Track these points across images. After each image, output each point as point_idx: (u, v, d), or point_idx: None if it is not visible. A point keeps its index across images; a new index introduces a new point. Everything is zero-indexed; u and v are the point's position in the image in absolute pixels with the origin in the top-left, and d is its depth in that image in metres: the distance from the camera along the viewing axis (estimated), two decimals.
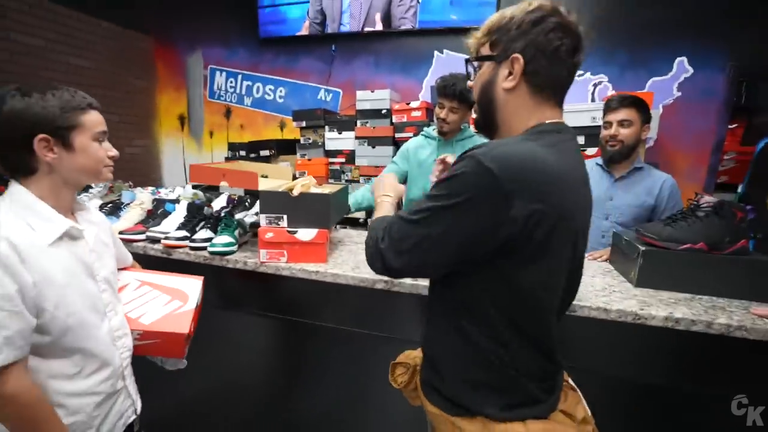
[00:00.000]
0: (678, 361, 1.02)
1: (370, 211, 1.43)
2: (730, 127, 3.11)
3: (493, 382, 0.71)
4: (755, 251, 1.11)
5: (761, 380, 0.94)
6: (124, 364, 0.92)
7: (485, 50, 0.72)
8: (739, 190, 2.69)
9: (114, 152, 0.89)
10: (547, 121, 0.69)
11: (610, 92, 2.60)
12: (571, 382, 0.84)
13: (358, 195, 1.80)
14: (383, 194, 0.92)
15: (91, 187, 1.91)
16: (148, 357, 1.04)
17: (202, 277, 1.13)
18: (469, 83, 0.78)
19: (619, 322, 0.97)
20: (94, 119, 0.84)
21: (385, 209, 0.87)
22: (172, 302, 1.04)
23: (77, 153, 0.81)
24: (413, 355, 0.93)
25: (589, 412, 0.79)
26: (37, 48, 2.84)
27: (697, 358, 0.99)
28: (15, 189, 0.80)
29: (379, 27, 3.02)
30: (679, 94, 2.51)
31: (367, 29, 3.04)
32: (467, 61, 0.77)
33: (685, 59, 2.47)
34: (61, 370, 0.80)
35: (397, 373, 0.91)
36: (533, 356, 0.70)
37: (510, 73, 0.69)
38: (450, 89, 1.61)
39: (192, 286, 1.09)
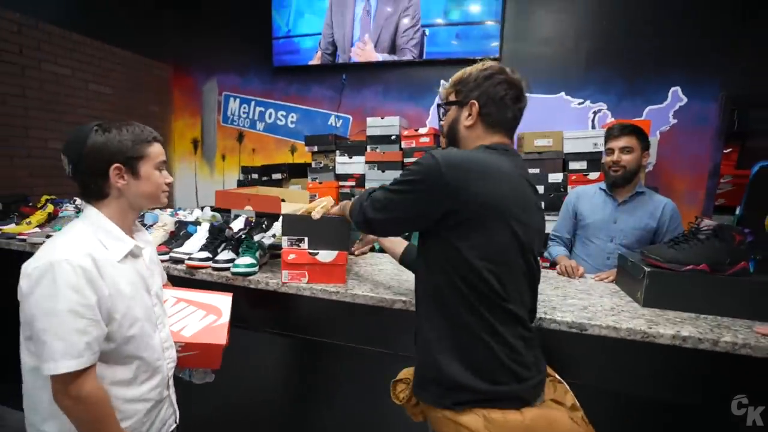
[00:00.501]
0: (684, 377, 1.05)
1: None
2: (725, 151, 3.22)
3: (474, 357, 0.82)
4: (757, 272, 1.16)
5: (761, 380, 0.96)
6: (169, 374, 1.00)
7: (452, 97, 0.96)
8: (737, 212, 2.76)
9: (170, 179, 1.00)
10: (493, 142, 0.91)
11: (609, 120, 2.72)
12: (556, 375, 0.92)
13: None
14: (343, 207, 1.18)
15: None
16: (175, 372, 1.08)
17: (231, 294, 1.21)
18: (441, 122, 1.02)
19: (628, 340, 1.01)
20: (157, 150, 0.95)
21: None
22: (208, 316, 1.12)
23: (142, 180, 0.92)
24: (412, 372, 0.98)
25: (577, 402, 0.88)
26: (64, 76, 2.99)
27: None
28: (90, 212, 0.90)
29: (380, 57, 3.18)
30: (675, 121, 2.62)
31: (374, 60, 3.20)
32: (438, 105, 1.01)
33: (679, 89, 2.59)
34: (121, 377, 0.87)
35: (399, 389, 0.99)
36: (509, 328, 0.82)
37: (469, 114, 0.92)
38: None
39: (223, 302, 1.17)
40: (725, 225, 1.18)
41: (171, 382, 1.02)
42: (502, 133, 0.92)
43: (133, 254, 0.93)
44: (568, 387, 0.91)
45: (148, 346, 0.91)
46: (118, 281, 0.85)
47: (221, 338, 1.07)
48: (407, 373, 1.00)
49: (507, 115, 0.90)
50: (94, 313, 0.79)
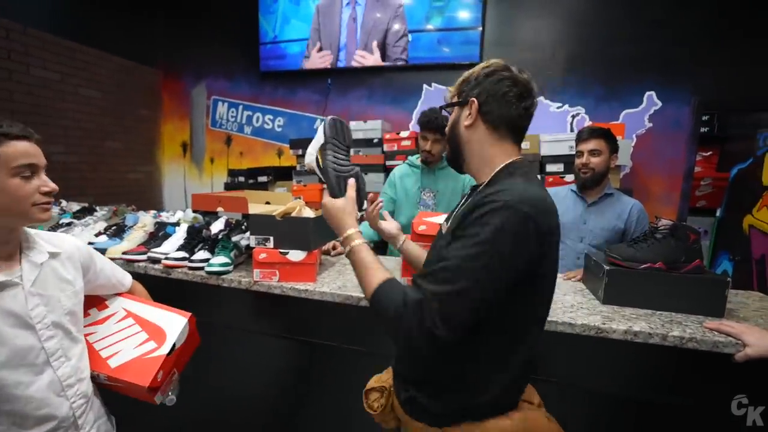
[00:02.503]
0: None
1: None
2: (704, 154, 3.29)
3: (478, 400, 0.78)
4: (734, 272, 1.19)
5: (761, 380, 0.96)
6: (77, 413, 0.83)
7: (454, 99, 0.88)
8: (718, 214, 2.82)
9: (50, 186, 0.78)
10: (514, 159, 0.83)
11: (587, 123, 2.78)
12: None
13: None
14: (348, 230, 0.87)
15: (95, 210, 2.02)
16: None
17: (188, 315, 1.06)
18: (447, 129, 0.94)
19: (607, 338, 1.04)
20: (15, 150, 0.72)
21: (369, 260, 0.81)
22: (147, 343, 0.98)
23: None
24: (384, 378, 0.97)
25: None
26: (53, 81, 3.02)
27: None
28: None
29: (371, 62, 3.23)
30: (651, 125, 2.68)
31: (364, 63, 3.25)
32: (441, 108, 0.93)
33: (654, 93, 2.66)
34: None
35: (372, 398, 0.95)
36: (523, 366, 0.80)
37: (469, 114, 0.83)
38: (433, 123, 1.75)
39: (174, 325, 1.02)
40: (681, 224, 1.22)
41: (85, 419, 0.85)
42: (509, 135, 0.83)
43: None
44: (531, 385, 0.91)
45: (13, 399, 0.73)
46: None
47: (145, 378, 0.90)
48: (378, 380, 0.98)
49: (510, 112, 0.80)
50: None
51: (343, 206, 0.92)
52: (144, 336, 0.99)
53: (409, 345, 0.73)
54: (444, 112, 0.93)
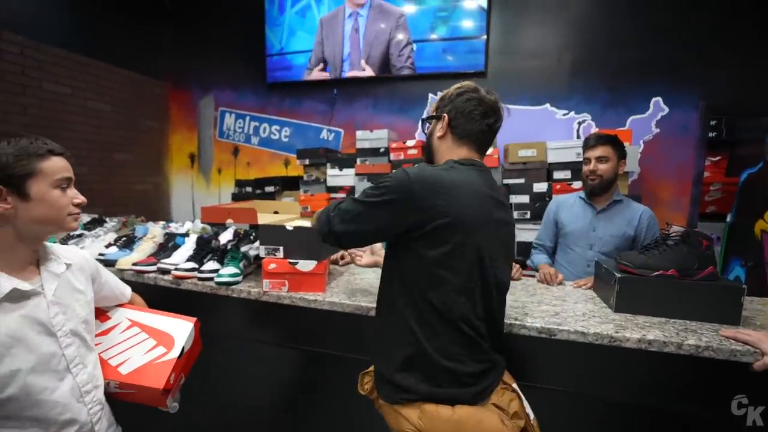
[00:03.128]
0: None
1: None
2: (713, 159, 3.26)
3: (422, 362, 0.89)
4: (747, 278, 1.18)
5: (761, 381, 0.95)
6: (94, 419, 0.86)
7: (432, 114, 1.05)
8: (728, 219, 2.79)
9: (80, 199, 0.84)
10: (460, 158, 0.98)
11: (594, 130, 2.77)
12: (514, 386, 0.97)
13: None
14: None
15: (105, 222, 2.04)
16: None
17: (194, 320, 1.10)
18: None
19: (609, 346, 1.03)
20: (55, 166, 0.80)
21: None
22: (156, 348, 1.00)
23: (34, 202, 0.76)
24: None
25: (530, 413, 0.93)
26: (64, 95, 3.09)
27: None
28: None
29: (371, 73, 3.27)
30: (658, 130, 2.67)
31: (365, 74, 3.29)
32: (422, 120, 1.12)
33: (660, 99, 2.65)
34: None
35: (365, 381, 1.06)
36: (454, 338, 0.89)
37: (441, 126, 1.01)
38: None
39: (181, 330, 1.05)
40: (693, 231, 1.21)
41: (101, 426, 0.89)
42: (471, 146, 1.00)
43: (13, 299, 0.76)
44: (521, 396, 0.96)
45: (39, 404, 0.77)
46: None
47: (159, 380, 0.93)
48: (373, 368, 1.07)
49: (474, 128, 0.97)
50: None
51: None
52: (152, 342, 1.01)
53: (322, 234, 0.99)
54: (425, 124, 1.09)
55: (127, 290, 1.14)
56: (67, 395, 0.81)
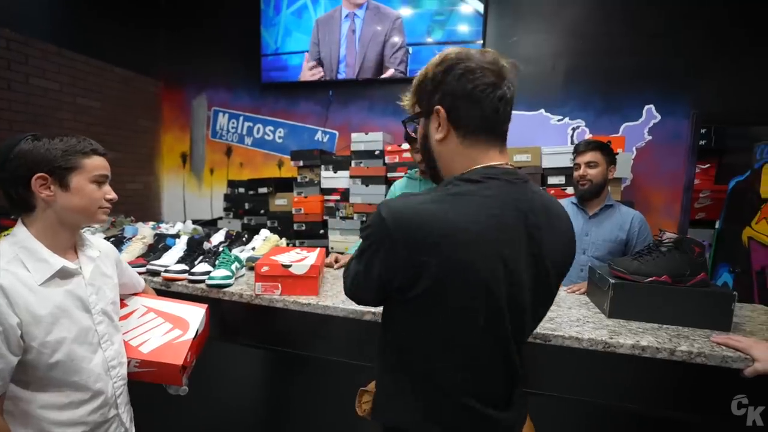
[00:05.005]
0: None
1: None
2: (702, 167, 3.32)
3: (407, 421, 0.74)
4: (735, 284, 1.19)
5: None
6: (117, 393, 0.95)
7: (415, 109, 0.76)
8: (717, 225, 2.84)
9: (112, 195, 0.94)
10: (476, 167, 0.69)
11: (587, 136, 2.79)
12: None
13: (352, 248, 1.89)
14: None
15: None
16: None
17: (205, 306, 1.20)
18: (415, 139, 0.82)
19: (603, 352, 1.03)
20: (95, 163, 0.90)
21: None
22: (173, 331, 1.09)
23: (72, 192, 0.86)
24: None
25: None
26: (52, 91, 3.02)
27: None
28: (18, 229, 0.86)
29: (369, 75, 3.27)
30: (650, 138, 2.71)
31: (361, 77, 3.28)
32: (403, 122, 0.82)
33: (653, 107, 2.69)
34: (51, 401, 0.83)
35: (364, 400, 0.93)
36: (435, 398, 0.72)
37: (439, 125, 0.71)
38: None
39: (194, 315, 1.15)
40: (685, 238, 1.22)
41: (122, 400, 0.98)
42: (487, 137, 0.70)
43: (62, 275, 0.87)
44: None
45: (80, 370, 0.87)
46: (35, 308, 0.80)
47: (179, 358, 1.03)
48: (373, 385, 0.96)
49: (485, 110, 0.67)
50: None
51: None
52: (168, 326, 1.10)
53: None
54: (409, 128, 0.81)
55: (141, 280, 1.22)
56: (99, 367, 0.91)
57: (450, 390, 0.71)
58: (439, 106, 0.69)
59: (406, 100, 0.78)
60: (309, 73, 3.42)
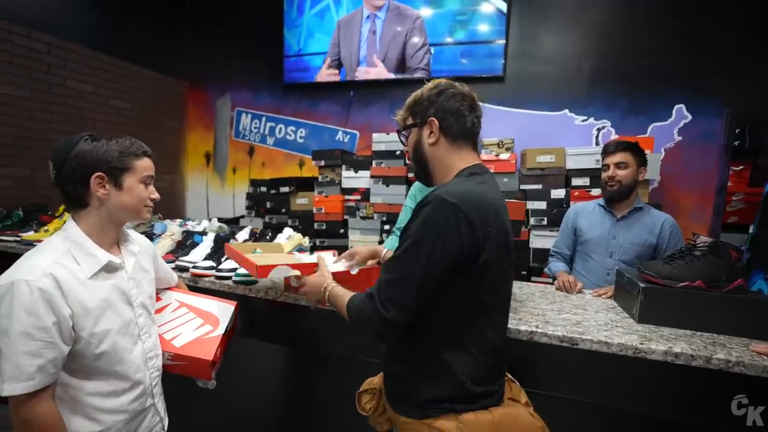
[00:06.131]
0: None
1: None
2: (735, 168, 3.18)
3: (450, 390, 0.84)
4: None
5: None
6: (153, 383, 1.00)
7: (409, 121, 0.97)
8: (751, 230, 2.71)
9: (156, 195, 0.99)
10: (470, 164, 0.92)
11: (613, 136, 2.73)
12: (509, 375, 0.98)
13: (388, 243, 1.84)
14: (323, 285, 0.99)
15: None
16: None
17: (235, 303, 1.23)
18: (404, 148, 1.03)
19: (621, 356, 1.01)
20: (145, 165, 0.96)
21: (340, 292, 0.95)
22: (204, 326, 1.12)
23: (124, 191, 0.92)
24: (375, 382, 1.02)
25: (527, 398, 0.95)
26: (87, 93, 3.16)
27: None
28: (69, 224, 0.90)
29: (390, 75, 3.28)
30: (680, 138, 2.62)
31: (382, 77, 3.30)
32: (398, 131, 1.02)
33: (683, 106, 2.60)
34: (97, 389, 0.88)
35: (364, 400, 1.01)
36: (488, 359, 0.86)
37: (431, 132, 0.93)
38: None
39: (224, 311, 1.18)
40: (722, 242, 1.18)
41: (157, 390, 1.02)
42: (468, 145, 0.94)
43: (110, 268, 0.92)
44: (519, 384, 0.97)
45: (123, 361, 0.91)
46: (85, 299, 0.84)
47: (209, 353, 1.06)
48: (370, 383, 1.04)
49: (466, 124, 0.92)
50: (50, 335, 0.78)
51: (314, 279, 1.06)
52: (199, 321, 1.14)
53: (375, 332, 0.83)
54: (401, 137, 1.01)
55: (175, 276, 1.26)
56: (139, 358, 0.95)
57: (494, 338, 0.87)
58: (433, 118, 0.92)
59: (399, 114, 1.00)
60: (326, 73, 3.45)
